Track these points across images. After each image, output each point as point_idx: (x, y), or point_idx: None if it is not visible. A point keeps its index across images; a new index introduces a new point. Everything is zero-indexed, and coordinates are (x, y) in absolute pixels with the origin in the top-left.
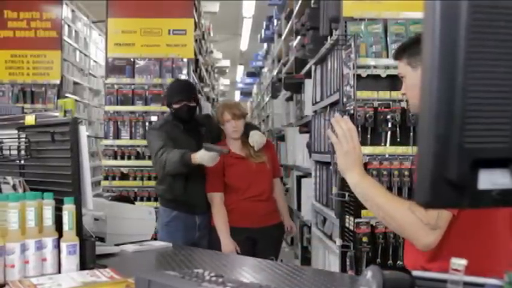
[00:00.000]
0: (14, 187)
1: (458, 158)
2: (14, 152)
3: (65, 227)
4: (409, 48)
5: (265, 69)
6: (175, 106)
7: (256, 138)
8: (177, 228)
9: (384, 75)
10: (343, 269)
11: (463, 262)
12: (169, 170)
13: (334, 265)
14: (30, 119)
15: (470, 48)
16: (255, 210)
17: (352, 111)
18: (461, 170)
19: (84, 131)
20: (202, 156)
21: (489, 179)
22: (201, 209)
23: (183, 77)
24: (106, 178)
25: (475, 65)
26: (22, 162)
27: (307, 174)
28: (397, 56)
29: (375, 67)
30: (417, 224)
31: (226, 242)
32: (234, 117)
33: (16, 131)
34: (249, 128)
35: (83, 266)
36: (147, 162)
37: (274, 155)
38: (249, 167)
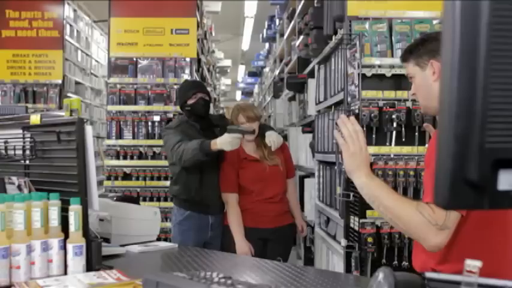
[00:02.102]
0: (19, 187)
1: (479, 158)
2: (19, 152)
3: (71, 228)
4: (416, 50)
5: (266, 69)
6: (191, 102)
7: (274, 138)
8: (190, 228)
9: (388, 74)
10: (348, 269)
11: (477, 264)
12: (187, 159)
13: (338, 266)
14: (35, 119)
15: (491, 46)
16: (268, 212)
17: (357, 111)
18: (482, 171)
19: (90, 131)
20: (224, 140)
21: (508, 180)
22: (215, 209)
23: (186, 76)
24: (109, 178)
25: (497, 64)
26: (27, 162)
27: (310, 174)
28: (404, 58)
29: (379, 66)
30: (425, 224)
31: (241, 244)
32: (248, 120)
33: (21, 131)
34: (264, 128)
35: (89, 267)
36: (150, 162)
37: (288, 156)
38: (263, 170)
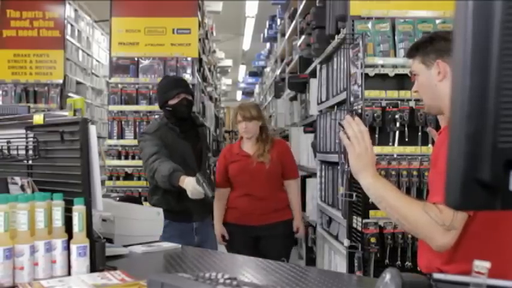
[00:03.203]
0: (22, 188)
1: (492, 158)
2: (22, 152)
3: (75, 229)
4: (423, 48)
5: (267, 69)
6: (173, 102)
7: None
8: (173, 234)
9: (391, 74)
10: (351, 269)
11: (486, 265)
12: (158, 181)
13: (340, 266)
14: (38, 119)
15: (504, 44)
16: (253, 209)
17: (359, 111)
18: (494, 171)
19: (94, 131)
20: (187, 185)
21: None
22: (198, 217)
23: (187, 76)
24: (110, 178)
25: (510, 62)
26: (30, 162)
27: (311, 174)
28: (410, 54)
29: (382, 66)
30: (432, 225)
31: (216, 227)
32: (244, 119)
33: (24, 131)
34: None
35: (93, 268)
36: None
37: (285, 156)
38: (249, 165)
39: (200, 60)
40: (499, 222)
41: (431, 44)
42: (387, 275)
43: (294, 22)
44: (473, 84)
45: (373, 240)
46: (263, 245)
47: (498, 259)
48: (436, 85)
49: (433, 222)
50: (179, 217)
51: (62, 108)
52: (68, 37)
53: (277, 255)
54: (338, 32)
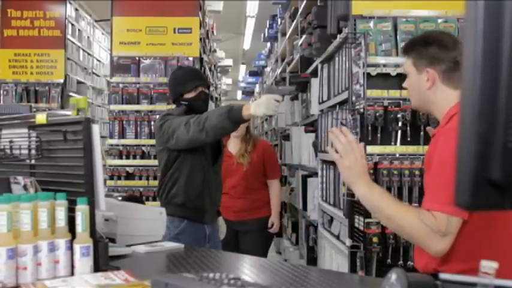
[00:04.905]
0: (25, 187)
1: (503, 158)
2: (25, 152)
3: (78, 228)
4: (417, 50)
5: (267, 69)
6: (189, 96)
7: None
8: (187, 240)
9: (393, 73)
10: (353, 269)
11: (493, 265)
12: (211, 127)
13: (342, 265)
14: (41, 118)
15: None
16: (230, 206)
17: (361, 110)
18: (505, 171)
19: (97, 130)
20: (259, 102)
21: None
22: (211, 217)
23: None
24: (111, 178)
25: None
26: (33, 162)
27: (312, 174)
28: (405, 51)
29: (384, 65)
30: (428, 233)
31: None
32: None
33: (26, 130)
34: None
35: (96, 268)
36: (153, 162)
37: (267, 158)
38: (230, 166)
39: (201, 59)
40: (492, 221)
41: (425, 49)
42: (393, 275)
43: (294, 21)
44: (484, 83)
45: (375, 239)
46: (240, 240)
47: (493, 258)
48: (424, 92)
49: (428, 230)
50: (193, 214)
51: (62, 107)
52: (68, 36)
53: (252, 250)
54: (340, 32)
